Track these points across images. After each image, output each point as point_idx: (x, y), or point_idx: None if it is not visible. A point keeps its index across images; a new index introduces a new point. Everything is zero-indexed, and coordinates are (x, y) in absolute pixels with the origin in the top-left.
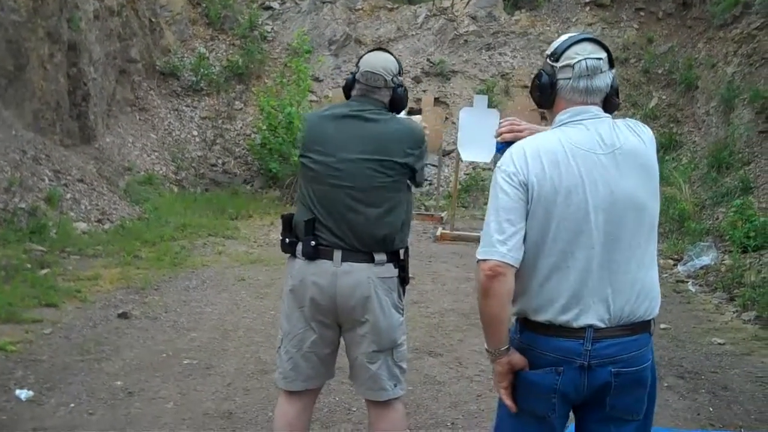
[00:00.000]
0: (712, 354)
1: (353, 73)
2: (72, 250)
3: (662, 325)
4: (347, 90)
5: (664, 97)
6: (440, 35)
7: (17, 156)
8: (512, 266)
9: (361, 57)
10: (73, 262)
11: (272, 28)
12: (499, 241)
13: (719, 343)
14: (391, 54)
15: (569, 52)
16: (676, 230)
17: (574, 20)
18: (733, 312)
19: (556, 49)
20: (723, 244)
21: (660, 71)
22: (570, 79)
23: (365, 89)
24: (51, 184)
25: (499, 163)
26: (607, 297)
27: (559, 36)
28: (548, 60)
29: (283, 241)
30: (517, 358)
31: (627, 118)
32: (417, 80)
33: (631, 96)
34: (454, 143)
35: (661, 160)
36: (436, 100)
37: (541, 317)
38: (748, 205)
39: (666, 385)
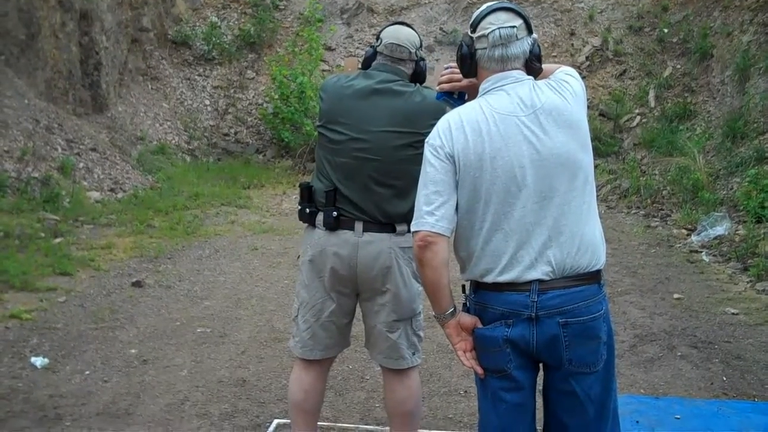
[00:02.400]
0: (726, 324)
1: (373, 47)
2: (85, 219)
3: (675, 295)
4: (368, 64)
5: (678, 66)
6: (453, 4)
7: (30, 125)
8: (442, 235)
9: (381, 30)
10: (86, 231)
11: None
12: (428, 212)
13: (733, 313)
14: (412, 28)
15: (484, 23)
16: (690, 200)
17: None
18: (747, 282)
19: (473, 20)
20: (737, 214)
21: (675, 40)
22: (486, 48)
23: (390, 61)
24: (64, 154)
25: (427, 138)
26: (546, 252)
27: (573, 3)
28: (468, 31)
29: (302, 210)
30: (466, 319)
31: (558, 71)
32: (430, 49)
33: (645, 65)
34: None
35: (675, 130)
36: None
37: (489, 279)
38: (762, 175)
39: (679, 354)
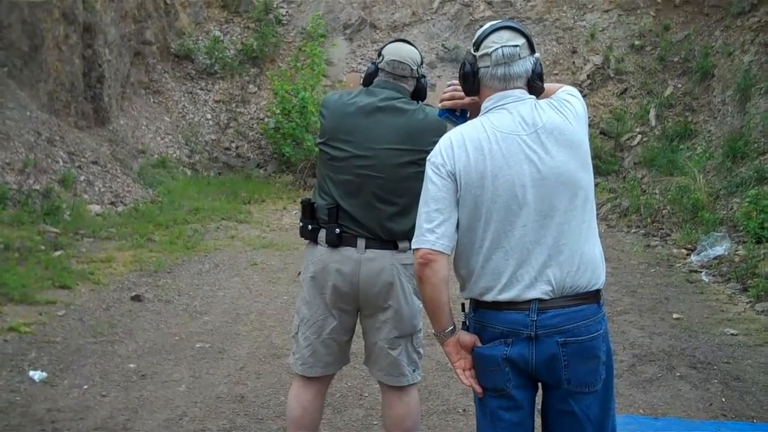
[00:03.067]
0: (725, 344)
1: (375, 63)
2: (85, 232)
3: (675, 315)
4: (369, 80)
5: (679, 85)
6: (455, 20)
7: (32, 137)
8: (443, 253)
9: (382, 47)
10: (86, 244)
11: (287, 12)
12: (428, 230)
13: (732, 334)
14: (414, 45)
15: (487, 41)
16: (690, 220)
17: (590, 6)
18: (747, 303)
19: (476, 38)
20: (737, 235)
21: (676, 59)
22: (489, 67)
23: (392, 77)
24: (65, 166)
25: (429, 156)
26: (546, 271)
27: (575, 22)
28: (471, 50)
29: (304, 227)
30: (465, 337)
31: (560, 91)
32: (432, 66)
33: (646, 84)
34: None
35: (675, 149)
36: None
37: (489, 298)
38: (763, 196)
39: (678, 375)
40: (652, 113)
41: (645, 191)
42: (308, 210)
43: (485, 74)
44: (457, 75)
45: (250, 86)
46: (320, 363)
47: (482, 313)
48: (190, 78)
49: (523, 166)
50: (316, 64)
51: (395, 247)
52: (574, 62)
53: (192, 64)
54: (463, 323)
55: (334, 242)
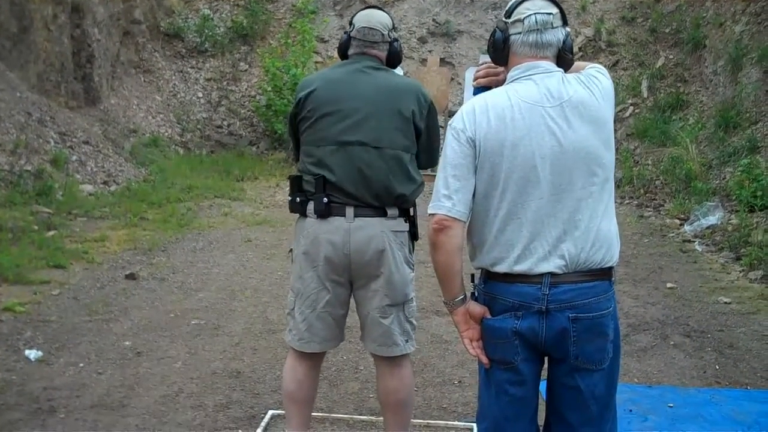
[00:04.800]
0: (719, 313)
1: (347, 32)
2: (78, 212)
3: (669, 285)
4: (343, 50)
5: (671, 56)
6: None
7: (22, 118)
8: (458, 220)
9: (353, 16)
10: (79, 223)
11: None
12: (445, 196)
13: (725, 302)
14: (383, 10)
15: (520, 8)
16: (683, 190)
17: None
18: (740, 271)
19: (509, 7)
20: (730, 204)
21: (667, 30)
22: (520, 33)
23: (363, 45)
24: (57, 147)
25: (450, 121)
26: (561, 246)
27: None
28: (502, 18)
29: (293, 200)
30: (475, 308)
31: (588, 67)
32: (422, 41)
33: (638, 56)
34: (460, 104)
35: (667, 120)
36: (442, 61)
37: (500, 269)
38: (755, 165)
39: (672, 343)
40: (644, 85)
41: (638, 162)
42: (296, 184)
43: (516, 41)
44: (486, 47)
45: (241, 64)
46: (317, 338)
47: (493, 285)
48: (181, 56)
49: (544, 138)
50: (306, 41)
51: (384, 214)
52: None
53: (182, 42)
54: (472, 294)
55: (323, 212)
